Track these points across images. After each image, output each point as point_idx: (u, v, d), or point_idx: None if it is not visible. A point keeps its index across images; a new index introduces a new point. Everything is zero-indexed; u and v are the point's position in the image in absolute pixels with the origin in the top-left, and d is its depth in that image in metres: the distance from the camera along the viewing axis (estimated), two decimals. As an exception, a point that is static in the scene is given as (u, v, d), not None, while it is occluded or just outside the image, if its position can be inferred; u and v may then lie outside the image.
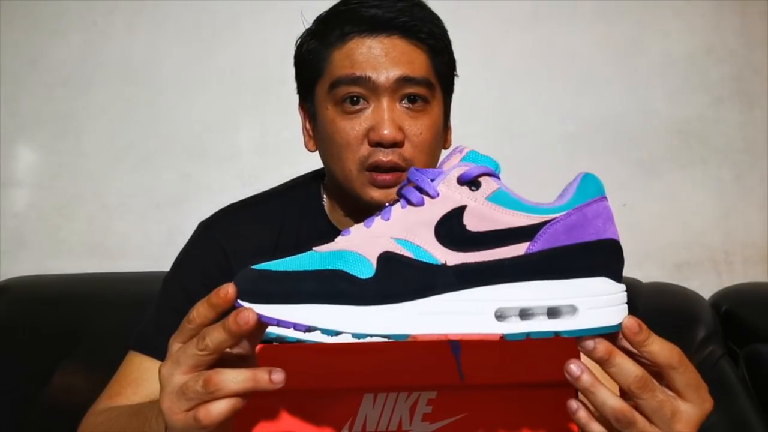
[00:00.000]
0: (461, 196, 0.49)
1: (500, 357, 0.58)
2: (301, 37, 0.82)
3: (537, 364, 0.58)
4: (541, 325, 0.47)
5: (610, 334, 0.48)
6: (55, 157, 1.39)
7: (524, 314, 0.47)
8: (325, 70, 0.77)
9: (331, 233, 0.81)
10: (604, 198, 0.50)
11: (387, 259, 0.47)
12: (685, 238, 1.42)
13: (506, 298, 0.47)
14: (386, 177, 0.74)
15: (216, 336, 0.47)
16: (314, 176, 0.90)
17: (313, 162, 0.85)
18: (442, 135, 0.81)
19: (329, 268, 0.47)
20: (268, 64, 1.38)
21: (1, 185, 1.38)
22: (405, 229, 0.48)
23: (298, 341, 0.47)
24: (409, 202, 0.50)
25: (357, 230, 0.50)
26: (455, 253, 0.47)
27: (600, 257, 0.49)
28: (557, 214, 0.48)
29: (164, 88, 1.40)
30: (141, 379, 0.78)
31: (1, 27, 1.37)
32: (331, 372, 0.58)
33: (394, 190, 0.73)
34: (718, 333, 1.19)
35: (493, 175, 0.50)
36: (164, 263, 0.89)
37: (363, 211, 0.76)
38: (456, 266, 0.47)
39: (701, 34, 1.43)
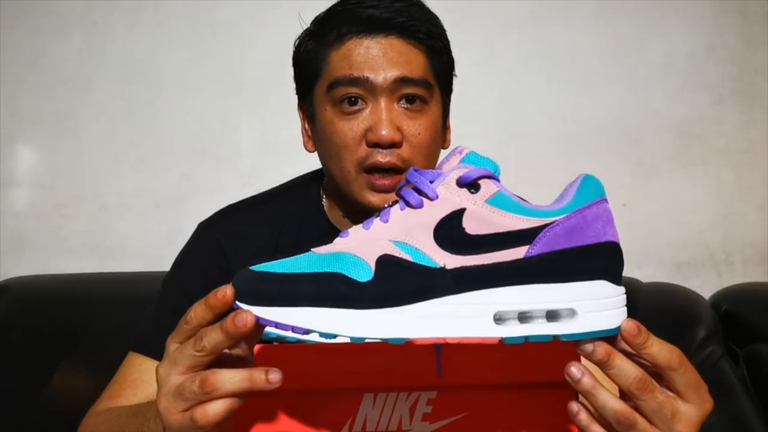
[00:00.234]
0: (460, 198, 0.49)
1: (499, 357, 0.58)
2: (299, 37, 0.81)
3: (536, 365, 0.58)
4: (540, 328, 0.47)
5: (610, 336, 0.48)
6: (55, 157, 1.39)
7: (523, 317, 0.47)
8: (323, 70, 0.77)
9: (330, 233, 0.81)
10: (604, 200, 0.50)
11: (385, 262, 0.47)
12: (685, 238, 1.42)
13: (505, 302, 0.47)
14: (385, 182, 0.74)
15: (213, 337, 0.47)
16: (314, 176, 0.90)
17: (313, 162, 0.85)
18: (441, 135, 0.81)
19: (327, 270, 0.47)
20: (268, 64, 1.38)
21: (1, 185, 1.38)
22: (404, 231, 0.48)
23: (298, 341, 0.47)
24: (408, 204, 0.49)
25: (355, 232, 0.50)
26: (454, 256, 0.47)
27: (599, 260, 0.49)
28: (557, 217, 0.48)
29: (164, 88, 1.40)
30: (141, 379, 0.78)
31: (1, 27, 1.37)
32: (331, 372, 0.58)
33: (393, 194, 0.74)
34: (718, 333, 1.19)
35: (492, 177, 0.50)
36: (164, 263, 0.89)
37: (361, 212, 0.76)
38: (455, 269, 0.47)
39: (701, 35, 1.43)
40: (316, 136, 0.81)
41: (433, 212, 0.48)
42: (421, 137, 0.75)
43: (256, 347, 0.55)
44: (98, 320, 1.16)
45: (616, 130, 1.43)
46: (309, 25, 0.81)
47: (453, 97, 0.84)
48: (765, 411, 1.14)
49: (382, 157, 0.74)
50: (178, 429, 0.49)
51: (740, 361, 1.20)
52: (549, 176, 1.37)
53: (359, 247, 0.48)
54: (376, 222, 0.50)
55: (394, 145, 0.74)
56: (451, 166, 0.51)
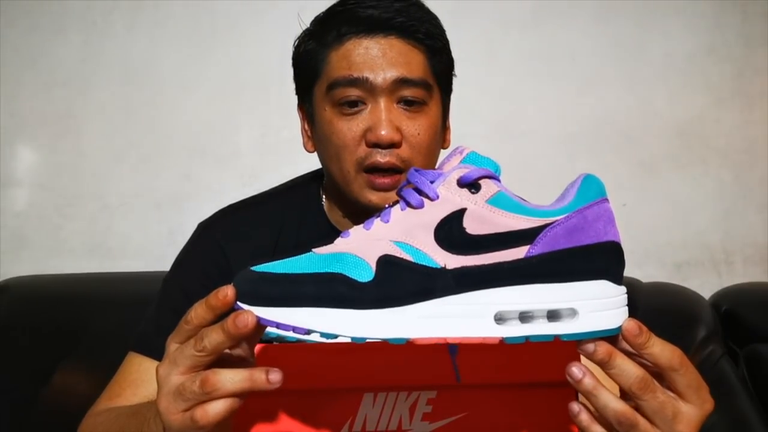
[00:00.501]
0: (461, 198, 0.48)
1: (499, 357, 0.58)
2: (299, 37, 0.81)
3: (537, 365, 0.58)
4: (541, 328, 0.47)
5: (611, 336, 0.48)
6: (55, 157, 1.39)
7: (524, 317, 0.47)
8: (322, 71, 0.77)
9: (330, 233, 0.82)
10: (605, 200, 0.50)
11: (386, 263, 0.47)
12: (684, 238, 1.42)
13: (506, 302, 0.47)
14: (385, 180, 0.74)
15: (214, 337, 0.47)
16: (314, 176, 0.90)
17: (313, 162, 0.85)
18: (440, 135, 0.81)
19: (328, 270, 0.47)
20: (268, 64, 1.38)
21: (1, 185, 1.38)
22: (404, 231, 0.48)
23: (298, 341, 0.47)
24: (409, 204, 0.49)
25: (356, 232, 0.50)
26: (455, 256, 0.47)
27: (600, 260, 0.48)
28: (557, 217, 0.48)
29: (164, 88, 1.40)
30: (140, 380, 0.78)
31: (1, 27, 1.37)
32: (331, 372, 0.58)
33: (392, 193, 0.74)
34: (718, 333, 1.19)
35: (493, 177, 0.50)
36: (164, 263, 0.89)
37: (361, 212, 0.76)
38: (455, 269, 0.47)
39: (702, 34, 1.43)
40: (316, 136, 0.81)
41: (434, 212, 0.48)
42: (421, 137, 0.75)
43: (257, 347, 0.55)
44: (98, 320, 1.16)
45: (616, 130, 1.43)
46: (308, 26, 0.81)
47: (453, 97, 0.84)
48: (765, 411, 1.14)
49: (382, 158, 0.74)
50: (178, 429, 0.49)
51: (740, 361, 1.20)
52: (549, 176, 1.37)
53: (360, 248, 0.48)
54: (376, 222, 0.50)
55: (393, 145, 0.74)
56: (451, 166, 0.51)
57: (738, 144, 1.43)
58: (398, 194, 0.51)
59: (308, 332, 0.46)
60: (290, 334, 0.46)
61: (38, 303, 1.20)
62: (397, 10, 0.75)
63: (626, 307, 0.49)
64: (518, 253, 0.48)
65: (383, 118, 0.73)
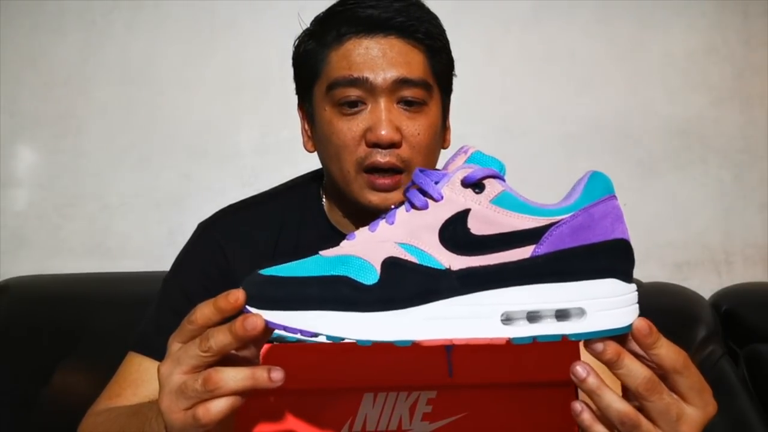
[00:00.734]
0: (465, 199, 0.48)
1: (496, 355, 0.58)
2: (298, 37, 0.81)
3: (537, 364, 0.58)
4: (549, 328, 0.47)
5: (619, 336, 0.48)
6: (55, 157, 1.39)
7: (532, 317, 0.47)
8: (322, 71, 0.77)
9: (330, 234, 0.82)
10: (613, 197, 0.49)
11: (391, 265, 0.47)
12: (684, 238, 1.42)
13: (513, 302, 0.46)
14: (385, 181, 0.74)
15: (221, 339, 0.47)
16: (314, 177, 0.90)
17: (313, 162, 0.85)
18: (440, 135, 0.81)
19: (334, 273, 0.47)
20: (268, 64, 1.38)
21: (1, 185, 1.38)
22: (409, 233, 0.48)
23: (299, 341, 0.47)
24: (413, 206, 0.49)
25: (362, 234, 0.50)
26: (460, 257, 0.47)
27: (607, 258, 0.48)
28: (563, 216, 0.48)
29: (164, 88, 1.40)
30: (140, 379, 0.78)
31: (1, 27, 1.37)
32: (331, 372, 0.58)
33: (393, 194, 0.74)
34: (718, 333, 1.19)
35: (497, 176, 0.49)
36: (164, 263, 0.89)
37: (362, 213, 0.76)
38: (460, 270, 0.47)
39: (702, 34, 1.44)
40: (316, 136, 0.81)
41: (438, 213, 0.48)
42: (421, 137, 0.75)
43: (257, 347, 0.55)
44: (98, 320, 1.16)
45: (616, 130, 1.43)
46: (308, 25, 0.81)
47: (453, 97, 0.84)
48: (765, 411, 1.14)
49: (382, 157, 0.74)
50: (180, 428, 0.49)
51: (740, 361, 1.20)
52: (549, 176, 1.37)
53: (365, 250, 0.48)
54: (381, 224, 0.49)
55: (393, 145, 0.74)
56: (456, 165, 0.50)
57: (738, 144, 1.43)
58: (404, 195, 0.51)
59: (315, 335, 0.46)
60: (298, 336, 0.46)
61: (38, 303, 1.20)
62: (397, 10, 0.75)
63: (637, 305, 0.48)
64: (524, 253, 0.47)
65: (383, 118, 0.73)
